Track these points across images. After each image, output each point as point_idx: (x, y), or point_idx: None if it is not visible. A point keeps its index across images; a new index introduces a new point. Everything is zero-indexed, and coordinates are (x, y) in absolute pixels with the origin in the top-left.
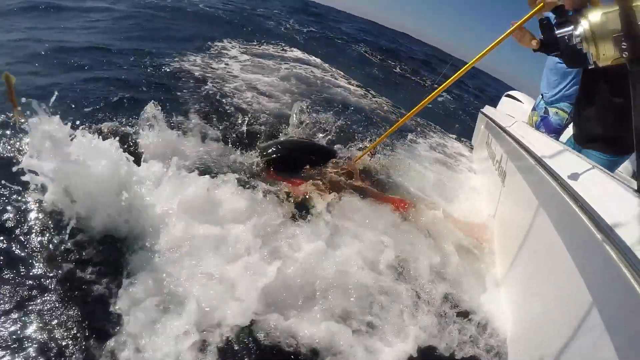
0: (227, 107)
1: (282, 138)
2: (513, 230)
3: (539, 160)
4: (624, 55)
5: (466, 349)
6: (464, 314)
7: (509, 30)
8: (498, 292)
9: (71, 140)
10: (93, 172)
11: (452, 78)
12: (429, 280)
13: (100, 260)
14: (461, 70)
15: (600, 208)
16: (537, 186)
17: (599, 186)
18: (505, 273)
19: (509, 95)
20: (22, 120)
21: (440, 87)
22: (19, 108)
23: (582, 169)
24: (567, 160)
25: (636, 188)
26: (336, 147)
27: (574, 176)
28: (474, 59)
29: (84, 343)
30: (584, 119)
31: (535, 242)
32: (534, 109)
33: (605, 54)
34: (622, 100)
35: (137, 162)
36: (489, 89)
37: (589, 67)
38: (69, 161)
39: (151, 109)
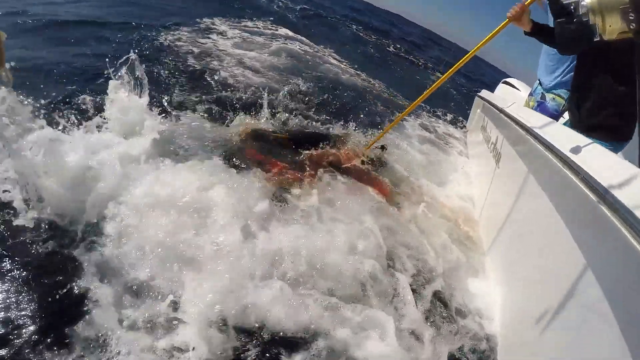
0: (211, 83)
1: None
2: (506, 213)
3: (538, 138)
4: (631, 27)
5: (455, 341)
6: (451, 305)
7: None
8: (488, 283)
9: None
10: (53, 168)
11: (455, 66)
12: (416, 270)
13: (64, 249)
14: (464, 58)
15: (600, 177)
16: (536, 164)
17: (601, 160)
18: (496, 250)
19: (506, 82)
20: (9, 80)
21: (445, 75)
22: (7, 67)
23: (584, 143)
24: (568, 137)
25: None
26: (332, 128)
27: (576, 149)
28: (476, 47)
29: (48, 335)
30: (584, 109)
31: (531, 219)
32: (530, 94)
33: (612, 26)
34: (624, 89)
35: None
36: (479, 72)
37: (595, 39)
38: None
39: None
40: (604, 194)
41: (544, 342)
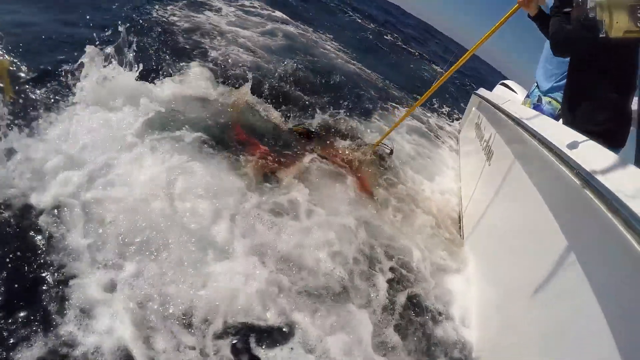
0: (200, 59)
1: None
2: (493, 211)
3: (534, 134)
4: (638, 25)
5: (430, 346)
6: (429, 308)
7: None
8: (468, 285)
9: None
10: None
11: (458, 62)
12: (394, 269)
13: (29, 231)
14: (473, 47)
15: (599, 175)
16: (530, 161)
17: (600, 158)
18: (479, 248)
19: (503, 84)
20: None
21: (449, 72)
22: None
23: (581, 140)
24: (564, 134)
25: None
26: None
27: (573, 145)
28: (485, 35)
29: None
30: (579, 112)
31: (520, 217)
32: (527, 96)
33: (619, 23)
34: (616, 96)
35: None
36: (475, 69)
37: (600, 36)
38: None
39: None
40: (603, 194)
41: (525, 346)
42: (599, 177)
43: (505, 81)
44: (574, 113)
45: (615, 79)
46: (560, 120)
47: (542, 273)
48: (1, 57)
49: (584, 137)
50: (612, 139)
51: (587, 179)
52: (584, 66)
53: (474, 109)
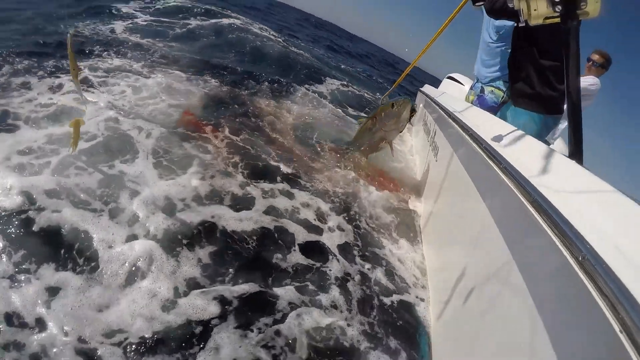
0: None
1: None
2: (442, 211)
3: (462, 125)
4: (556, 10)
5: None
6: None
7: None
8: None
9: None
10: None
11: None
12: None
13: None
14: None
15: (520, 166)
16: (463, 153)
17: (523, 148)
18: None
19: (450, 77)
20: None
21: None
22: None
23: (506, 131)
24: (492, 125)
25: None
26: None
27: (498, 138)
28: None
29: None
30: (517, 79)
31: (462, 214)
32: (471, 88)
33: (537, 10)
34: (549, 63)
35: None
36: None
37: (520, 25)
38: None
39: None
40: (524, 186)
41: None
42: (523, 171)
43: (452, 74)
44: (515, 78)
45: (548, 46)
46: (497, 113)
47: (480, 266)
48: (79, 117)
49: (511, 128)
50: (545, 102)
51: (512, 173)
52: (522, 36)
53: (421, 105)
